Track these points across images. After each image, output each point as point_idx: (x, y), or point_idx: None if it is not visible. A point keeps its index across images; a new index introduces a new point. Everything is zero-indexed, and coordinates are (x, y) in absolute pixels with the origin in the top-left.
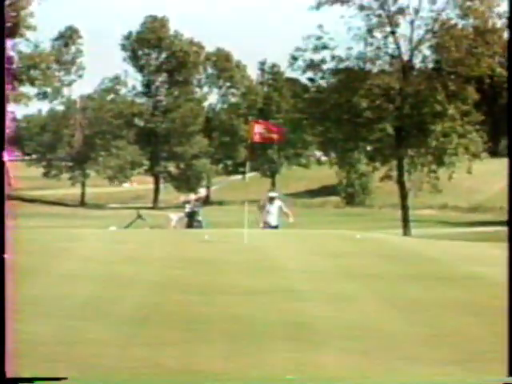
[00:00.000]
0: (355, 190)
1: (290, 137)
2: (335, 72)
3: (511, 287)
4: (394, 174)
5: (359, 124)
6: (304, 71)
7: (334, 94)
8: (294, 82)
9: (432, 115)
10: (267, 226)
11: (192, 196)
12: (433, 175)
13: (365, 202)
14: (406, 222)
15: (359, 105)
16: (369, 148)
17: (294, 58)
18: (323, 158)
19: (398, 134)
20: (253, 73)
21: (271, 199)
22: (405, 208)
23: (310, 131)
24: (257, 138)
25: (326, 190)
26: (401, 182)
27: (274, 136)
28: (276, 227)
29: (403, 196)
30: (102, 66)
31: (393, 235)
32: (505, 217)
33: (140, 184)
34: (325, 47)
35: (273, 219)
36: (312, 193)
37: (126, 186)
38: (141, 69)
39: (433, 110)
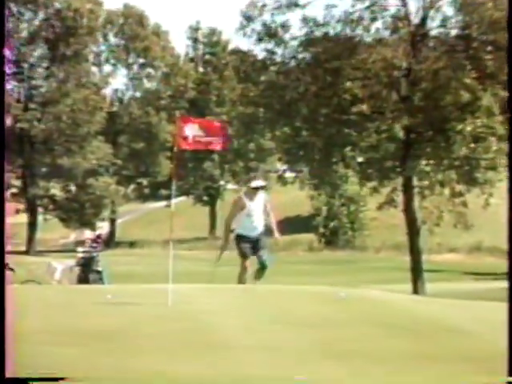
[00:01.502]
0: (340, 224)
1: (238, 142)
2: (308, 42)
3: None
4: (399, 198)
5: (345, 122)
6: (260, 40)
7: (305, 76)
8: (244, 56)
9: (457, 108)
10: (245, 239)
11: (88, 233)
12: (459, 200)
13: (354, 241)
14: (416, 272)
15: (345, 93)
16: (360, 159)
17: (248, 18)
18: (289, 175)
19: (405, 138)
20: (180, 44)
21: (255, 190)
22: (415, 251)
23: (270, 133)
24: (188, 144)
25: (293, 224)
26: (409, 212)
27: (216, 140)
28: (258, 241)
29: (413, 233)
30: None
31: (397, 293)
32: None
33: None
34: (293, 4)
35: (255, 225)
36: None
37: None
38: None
39: (458, 100)
